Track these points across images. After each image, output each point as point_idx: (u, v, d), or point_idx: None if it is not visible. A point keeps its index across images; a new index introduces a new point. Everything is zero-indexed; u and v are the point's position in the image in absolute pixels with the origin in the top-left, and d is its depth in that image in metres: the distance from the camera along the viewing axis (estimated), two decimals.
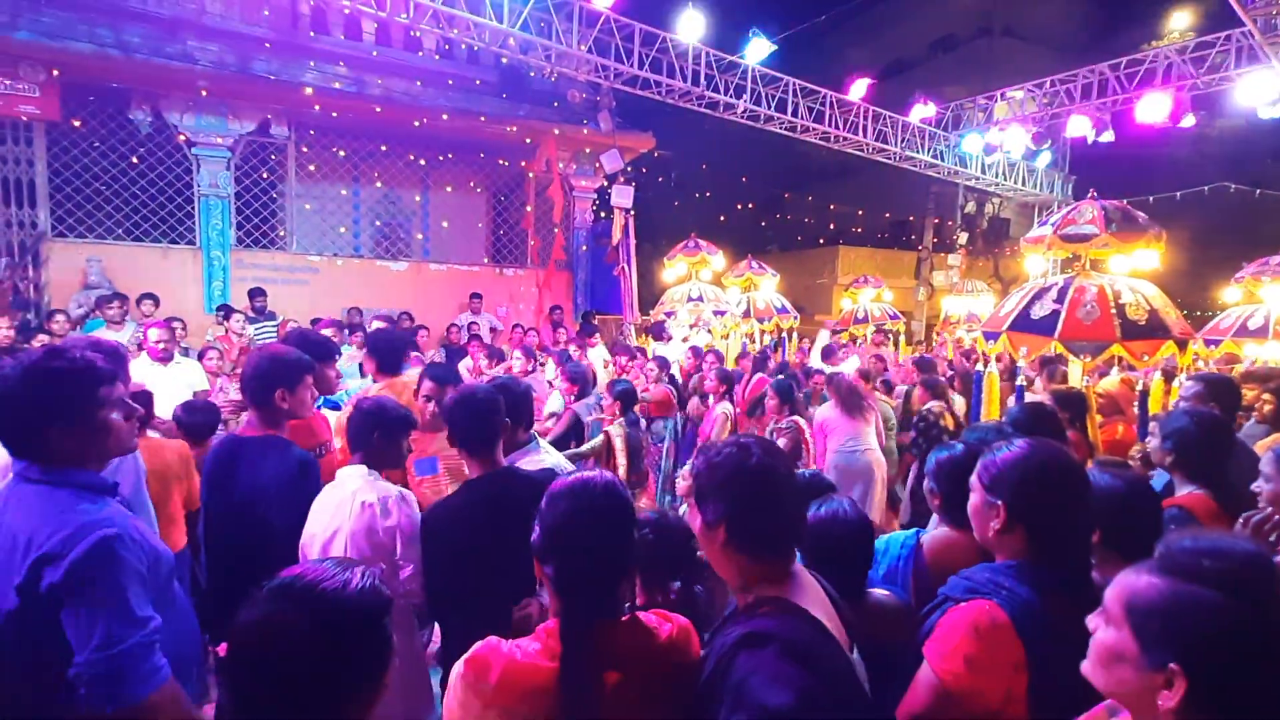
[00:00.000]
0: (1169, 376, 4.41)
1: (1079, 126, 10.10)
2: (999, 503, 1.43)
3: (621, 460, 4.12)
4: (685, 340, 7.96)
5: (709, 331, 8.42)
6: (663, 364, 5.43)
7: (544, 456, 2.61)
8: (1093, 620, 1.00)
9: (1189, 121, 8.99)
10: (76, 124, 7.74)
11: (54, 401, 1.40)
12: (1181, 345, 4.09)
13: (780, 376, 4.94)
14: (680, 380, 6.21)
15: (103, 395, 1.45)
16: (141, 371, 4.63)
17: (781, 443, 4.35)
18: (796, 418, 4.65)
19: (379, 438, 2.17)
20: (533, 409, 2.90)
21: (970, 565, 1.55)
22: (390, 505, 2.07)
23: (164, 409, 4.10)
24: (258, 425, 2.23)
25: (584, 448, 4.19)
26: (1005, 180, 12.84)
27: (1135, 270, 4.49)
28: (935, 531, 2.14)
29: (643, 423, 4.53)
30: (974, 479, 1.53)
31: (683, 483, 3.61)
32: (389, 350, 3.27)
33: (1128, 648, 0.91)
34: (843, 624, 1.24)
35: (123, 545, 1.36)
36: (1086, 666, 0.99)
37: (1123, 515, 1.58)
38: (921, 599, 1.81)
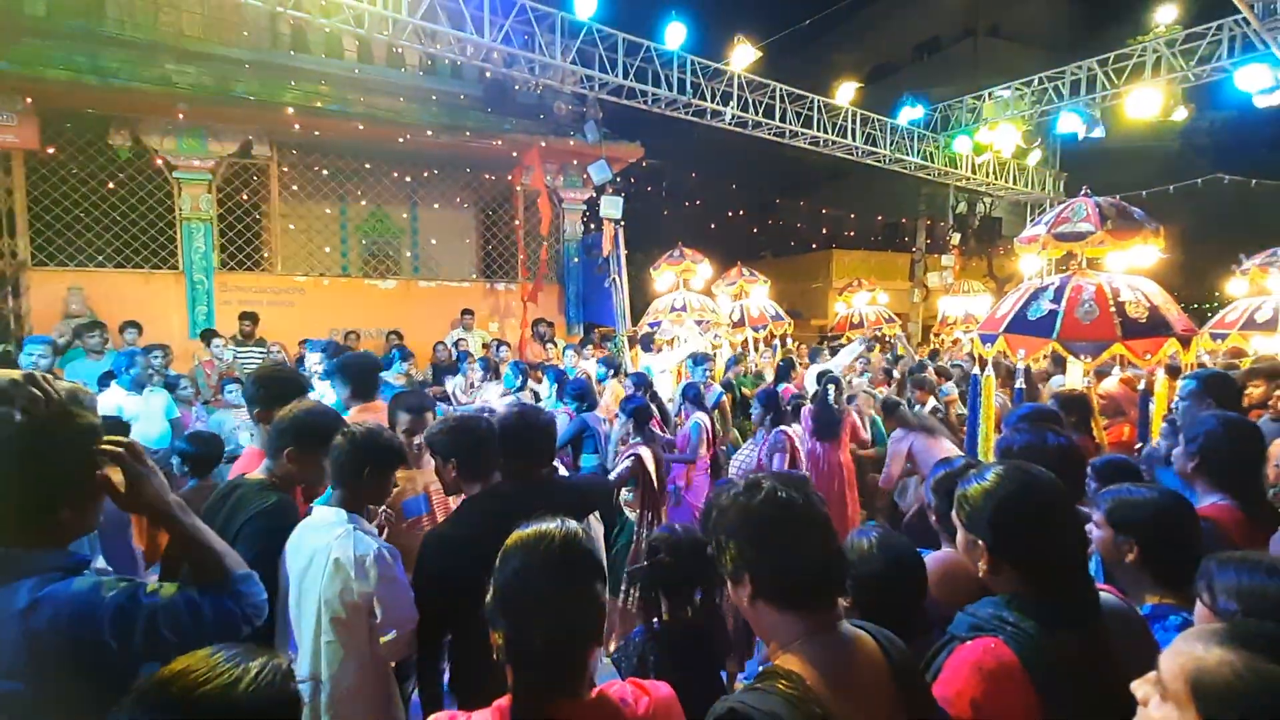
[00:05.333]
0: (1174, 374, 4.28)
1: (1069, 123, 10.04)
2: (980, 542, 1.33)
3: (655, 478, 3.91)
4: (670, 345, 7.69)
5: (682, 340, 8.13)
6: (640, 381, 5.11)
7: None
8: (1139, 688, 0.93)
9: (1180, 114, 8.93)
10: (52, 151, 7.64)
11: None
12: (1185, 342, 3.96)
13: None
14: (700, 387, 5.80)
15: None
16: (115, 400, 4.61)
17: (777, 460, 4.17)
18: (786, 429, 4.36)
19: (369, 473, 1.93)
20: (554, 443, 2.37)
21: (974, 589, 1.44)
22: (368, 567, 1.81)
23: (140, 438, 4.03)
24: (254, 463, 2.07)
25: (618, 472, 3.78)
26: (996, 180, 12.78)
27: (1133, 267, 4.37)
28: (939, 553, 2.00)
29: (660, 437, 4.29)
30: (954, 512, 1.42)
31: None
32: (360, 373, 3.02)
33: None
34: (901, 695, 1.08)
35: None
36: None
37: (1158, 533, 1.49)
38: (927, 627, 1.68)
